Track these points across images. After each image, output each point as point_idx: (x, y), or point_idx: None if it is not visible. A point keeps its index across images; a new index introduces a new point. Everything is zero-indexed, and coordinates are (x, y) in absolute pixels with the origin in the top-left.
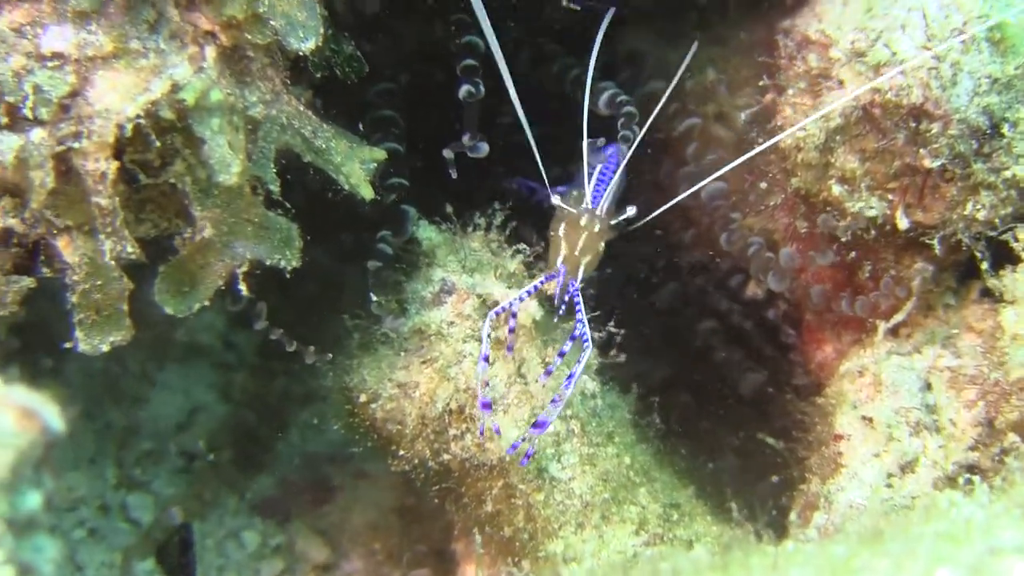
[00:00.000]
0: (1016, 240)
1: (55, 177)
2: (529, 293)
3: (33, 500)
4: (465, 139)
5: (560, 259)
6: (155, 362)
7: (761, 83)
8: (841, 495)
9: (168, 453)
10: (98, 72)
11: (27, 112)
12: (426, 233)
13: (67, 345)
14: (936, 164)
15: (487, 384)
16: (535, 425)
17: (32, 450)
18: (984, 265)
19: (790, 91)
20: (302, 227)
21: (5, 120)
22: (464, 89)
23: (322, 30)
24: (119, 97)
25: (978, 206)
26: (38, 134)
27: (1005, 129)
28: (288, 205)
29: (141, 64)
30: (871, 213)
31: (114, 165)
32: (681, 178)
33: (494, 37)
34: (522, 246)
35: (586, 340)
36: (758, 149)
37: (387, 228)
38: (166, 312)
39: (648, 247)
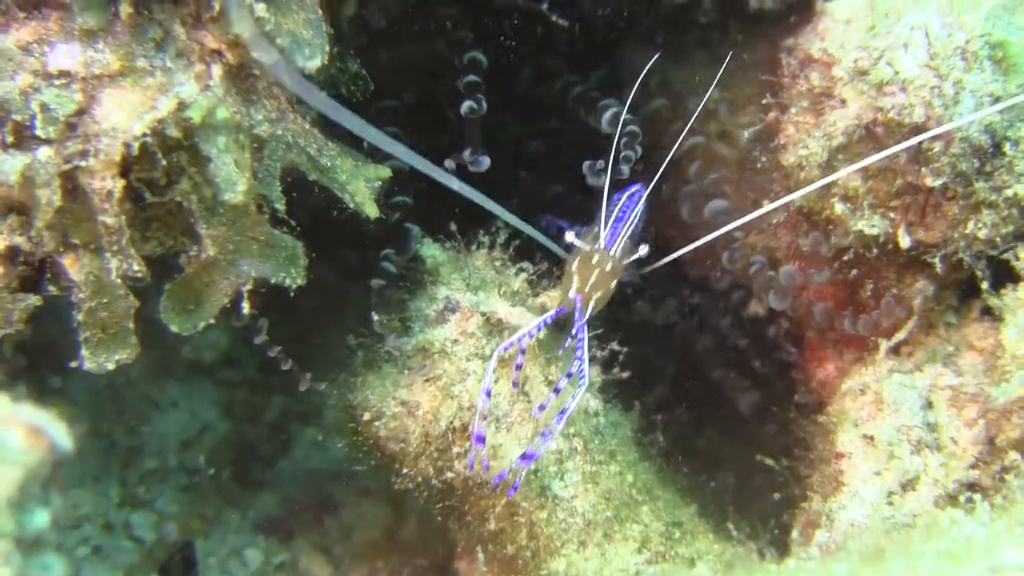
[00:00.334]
0: (1017, 259)
1: (62, 195)
2: (539, 328)
3: (41, 518)
4: (466, 154)
5: (571, 293)
6: (159, 380)
7: (764, 101)
8: (842, 513)
9: (171, 471)
10: (105, 90)
11: (35, 131)
12: (430, 251)
13: (73, 364)
14: (938, 183)
15: (485, 418)
16: (523, 457)
17: (40, 468)
18: (984, 284)
19: (793, 109)
20: (307, 244)
21: (11, 139)
22: (466, 105)
23: (328, 48)
24: (126, 115)
25: (979, 225)
26: (45, 152)
27: (1007, 148)
28: (293, 223)
29: (148, 82)
30: (873, 231)
31: (120, 183)
32: (683, 196)
33: None
34: (526, 264)
35: (583, 377)
36: (803, 191)
37: (391, 246)
38: (171, 330)
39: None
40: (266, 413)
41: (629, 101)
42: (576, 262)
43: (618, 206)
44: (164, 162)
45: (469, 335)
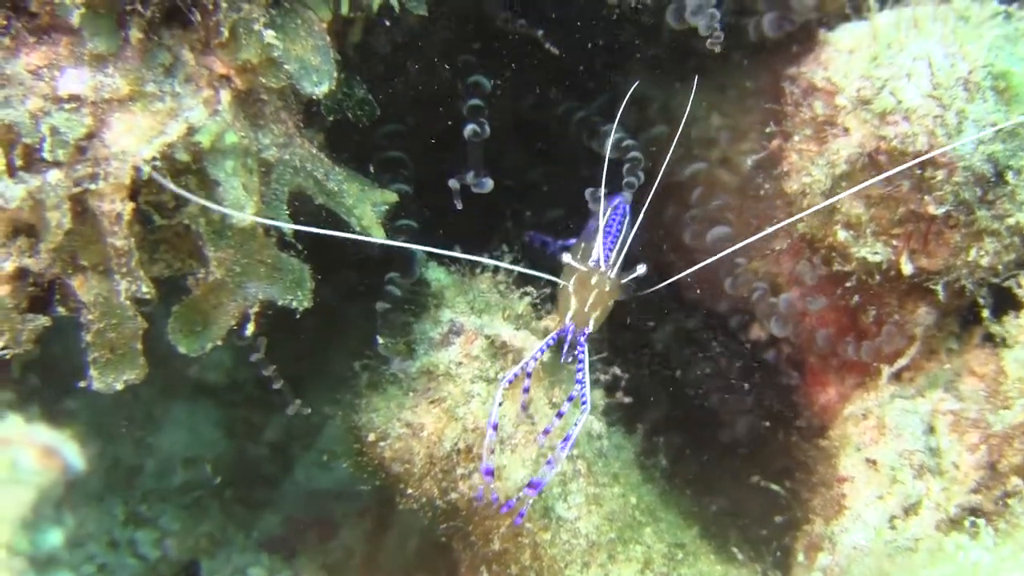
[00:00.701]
0: (1019, 286)
1: (71, 218)
2: (542, 351)
3: (54, 538)
4: (469, 176)
5: (569, 315)
6: (163, 398)
7: (768, 129)
8: (845, 536)
9: (176, 490)
10: (114, 114)
11: (44, 154)
12: (435, 274)
13: (82, 384)
14: (941, 211)
15: (492, 452)
16: (530, 486)
17: (53, 489)
18: (986, 312)
19: (796, 137)
20: (312, 267)
21: (21, 162)
22: (469, 129)
23: (335, 74)
24: (135, 139)
25: (982, 252)
26: (55, 175)
27: (1009, 177)
28: (300, 247)
29: (157, 107)
30: (876, 258)
31: (129, 206)
32: (686, 222)
33: None
34: (529, 288)
35: (584, 402)
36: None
37: (396, 270)
38: (178, 350)
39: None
40: (269, 432)
41: (616, 122)
42: (573, 283)
43: (605, 217)
44: (172, 185)
45: (473, 358)
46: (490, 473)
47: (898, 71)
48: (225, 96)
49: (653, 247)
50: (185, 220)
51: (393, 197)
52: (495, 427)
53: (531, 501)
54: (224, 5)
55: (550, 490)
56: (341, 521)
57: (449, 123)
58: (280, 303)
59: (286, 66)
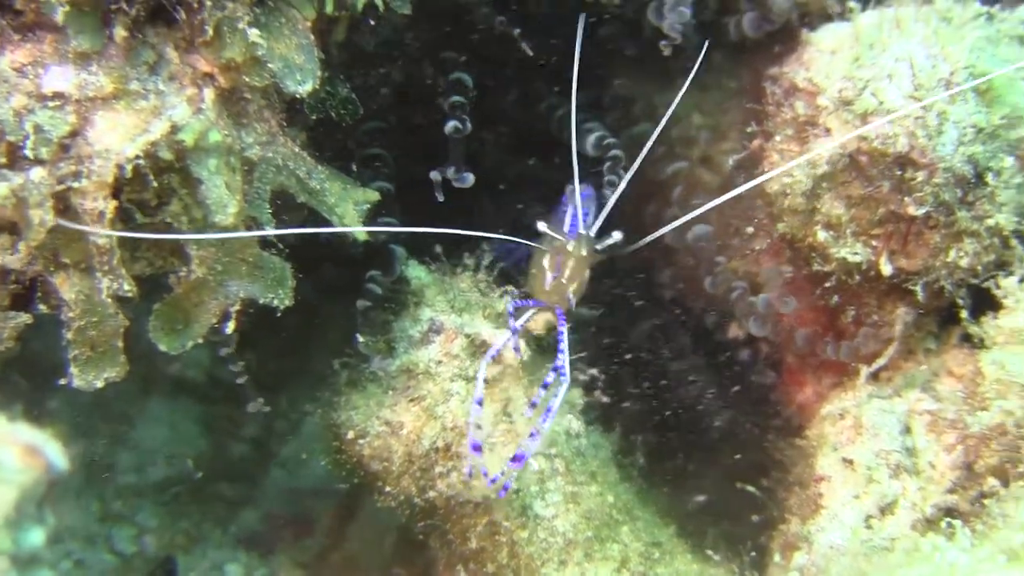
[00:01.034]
0: (998, 287)
1: (54, 215)
2: (522, 326)
3: (36, 537)
4: (451, 171)
5: (548, 286)
6: (141, 395)
7: (749, 129)
8: (821, 536)
9: (153, 486)
10: (98, 112)
11: (28, 151)
12: (415, 273)
13: (62, 381)
14: (921, 212)
15: (480, 427)
16: (514, 459)
17: (35, 487)
18: (964, 313)
19: (777, 138)
20: (293, 265)
21: (4, 159)
22: (451, 125)
23: (319, 73)
24: (119, 138)
25: (961, 253)
26: (38, 173)
27: (989, 178)
28: (281, 245)
29: (141, 105)
30: (855, 259)
31: (112, 204)
32: (666, 220)
33: None
34: (510, 287)
35: (564, 374)
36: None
37: (376, 267)
38: (159, 348)
39: (627, 284)
40: (248, 429)
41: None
42: (547, 256)
43: (574, 197)
44: (155, 183)
45: (453, 356)
46: (477, 448)
47: (880, 72)
48: (209, 94)
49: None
50: (167, 218)
51: (375, 195)
52: (480, 402)
53: (516, 474)
54: (209, 3)
55: (528, 488)
56: (319, 518)
57: (431, 120)
58: (261, 301)
59: (270, 65)
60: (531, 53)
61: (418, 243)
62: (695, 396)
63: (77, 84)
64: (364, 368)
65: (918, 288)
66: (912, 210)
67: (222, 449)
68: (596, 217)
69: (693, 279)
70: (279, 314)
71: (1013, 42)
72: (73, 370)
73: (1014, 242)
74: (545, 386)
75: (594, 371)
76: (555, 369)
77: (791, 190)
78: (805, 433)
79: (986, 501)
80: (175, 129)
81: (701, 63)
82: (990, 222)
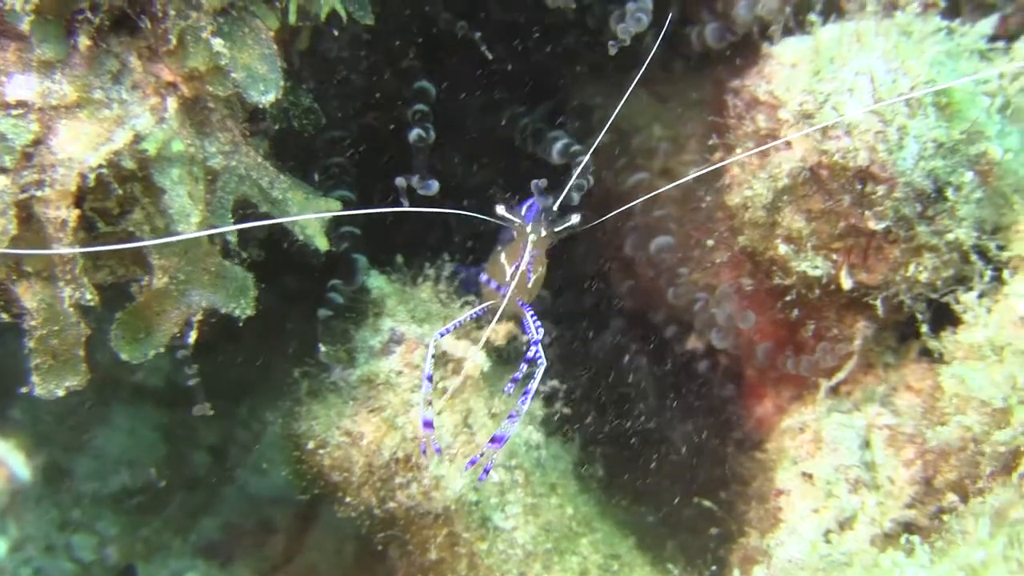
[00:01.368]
0: (957, 302)
1: (17, 224)
2: (481, 312)
3: None
4: (415, 180)
5: (507, 276)
6: (102, 403)
7: (710, 142)
8: (780, 550)
9: (113, 494)
10: (62, 121)
11: None
12: (376, 282)
13: (24, 390)
14: (881, 226)
15: (430, 403)
16: (493, 440)
17: None
18: (924, 327)
19: (739, 150)
20: (255, 274)
21: None
22: (415, 134)
23: (282, 83)
24: (82, 147)
25: (921, 268)
26: (1, 181)
27: (949, 193)
28: (245, 255)
29: (104, 114)
30: (816, 272)
31: (75, 213)
32: (627, 231)
33: None
34: (471, 298)
35: (540, 357)
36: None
37: (337, 277)
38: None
39: (588, 297)
40: (208, 437)
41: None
42: (505, 251)
43: (523, 210)
44: (119, 192)
45: (413, 367)
46: (429, 425)
47: (840, 86)
48: (172, 104)
49: (592, 256)
50: (130, 227)
51: (337, 205)
52: (430, 379)
53: (496, 456)
54: (172, 13)
55: (487, 500)
56: (279, 527)
57: (393, 128)
58: (223, 311)
59: (233, 74)
60: (491, 56)
61: (380, 253)
62: (655, 408)
63: (40, 92)
64: (325, 378)
65: (878, 302)
66: (872, 224)
67: (182, 457)
68: (557, 199)
69: (653, 291)
70: (241, 323)
71: (973, 56)
72: (35, 379)
73: (973, 257)
74: (526, 361)
75: (555, 382)
76: (532, 345)
77: (752, 203)
78: (765, 446)
79: (945, 517)
80: (138, 138)
81: (662, 73)
82: (950, 237)
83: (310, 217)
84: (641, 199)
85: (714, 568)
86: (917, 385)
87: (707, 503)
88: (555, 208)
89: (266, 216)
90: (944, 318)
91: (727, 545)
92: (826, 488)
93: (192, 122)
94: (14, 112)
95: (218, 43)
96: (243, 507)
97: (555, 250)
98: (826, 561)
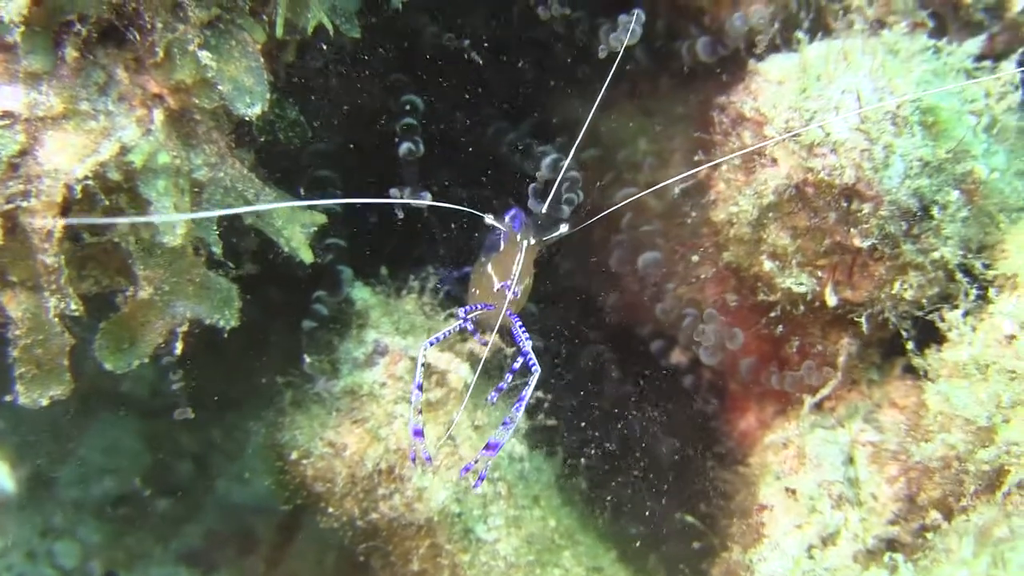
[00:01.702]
0: (942, 320)
1: (2, 234)
2: (464, 323)
3: None
4: (407, 193)
5: (495, 288)
6: (85, 411)
7: (696, 158)
8: (763, 565)
9: (95, 502)
10: (48, 132)
11: None
12: (360, 294)
13: (8, 398)
14: (866, 243)
15: (420, 412)
16: (487, 447)
17: None
18: (909, 345)
19: (724, 167)
20: (240, 285)
21: None
22: (404, 147)
23: (268, 95)
24: (68, 158)
25: (906, 286)
26: None
27: (935, 211)
28: (231, 265)
29: (91, 126)
30: (801, 289)
31: (60, 224)
32: (614, 245)
33: None
34: (455, 309)
35: (533, 365)
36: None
37: (322, 288)
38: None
39: (572, 311)
40: (191, 446)
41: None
42: (491, 262)
43: (506, 220)
44: (105, 203)
45: (397, 379)
46: (419, 433)
47: (827, 104)
48: (158, 115)
49: (578, 270)
50: (115, 238)
51: (322, 218)
52: (420, 387)
53: (489, 463)
54: (160, 25)
55: (470, 512)
56: (261, 536)
57: (379, 142)
58: (208, 322)
59: (220, 87)
60: (481, 61)
61: (364, 265)
62: (638, 422)
63: (27, 104)
64: (309, 389)
65: (863, 319)
66: (858, 242)
67: (165, 466)
68: (548, 199)
69: (639, 305)
70: (225, 335)
71: (960, 76)
72: (19, 387)
73: (959, 275)
74: (512, 372)
75: (539, 394)
76: (523, 355)
77: (737, 219)
78: (748, 461)
79: (928, 535)
80: (124, 150)
81: (647, 89)
82: (935, 255)
83: (296, 204)
84: (627, 202)
85: None
86: (901, 402)
87: (689, 518)
88: (544, 215)
89: (252, 227)
90: (929, 336)
91: (709, 559)
92: (809, 504)
93: (178, 134)
94: (0, 123)
95: (205, 55)
96: (226, 516)
97: (542, 261)
98: None
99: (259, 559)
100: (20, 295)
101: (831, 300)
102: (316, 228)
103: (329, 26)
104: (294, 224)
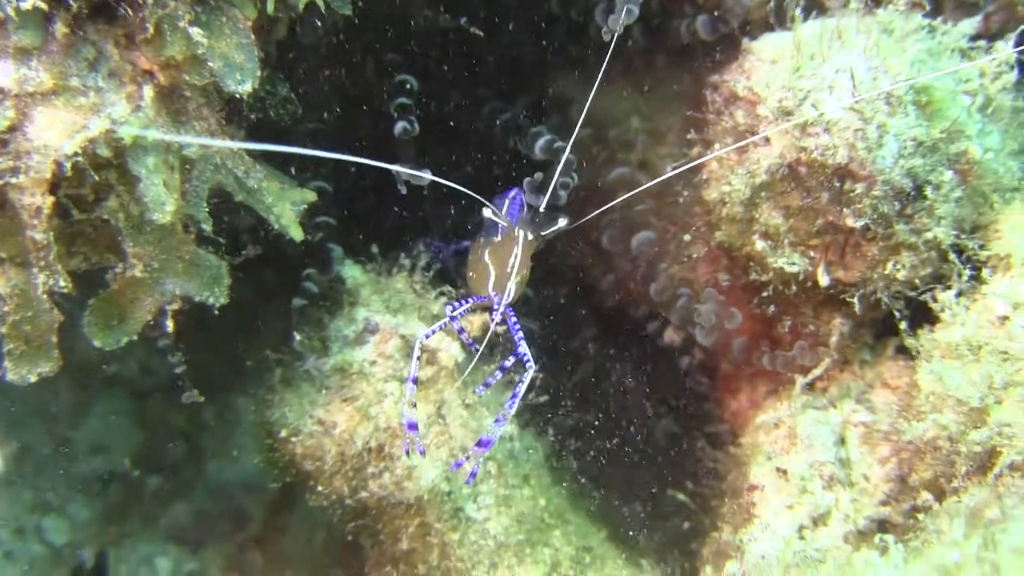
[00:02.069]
0: (935, 300)
1: None
2: (462, 314)
3: None
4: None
5: (490, 285)
6: (75, 388)
7: (689, 136)
8: (753, 545)
9: (85, 479)
10: (38, 108)
11: None
12: (351, 272)
13: None
14: (859, 223)
15: (414, 405)
16: (479, 444)
17: None
18: (903, 324)
19: (717, 146)
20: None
21: None
22: (400, 127)
23: (259, 72)
24: (57, 134)
25: (898, 266)
26: None
27: (928, 191)
28: (221, 241)
29: (80, 102)
30: (793, 269)
31: (50, 200)
32: (605, 225)
33: None
34: (446, 288)
35: (528, 362)
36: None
37: (313, 266)
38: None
39: (564, 289)
40: (181, 424)
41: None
42: (488, 252)
43: (506, 205)
44: (94, 179)
45: (387, 357)
46: (413, 427)
47: (820, 83)
48: (148, 92)
49: (571, 249)
50: (105, 215)
51: (312, 196)
52: (415, 381)
53: (481, 459)
54: (151, 1)
55: (460, 491)
56: (250, 514)
57: (371, 121)
58: (197, 299)
59: (210, 63)
60: (480, 33)
61: (354, 242)
62: (629, 401)
63: (17, 79)
64: (299, 367)
65: (855, 299)
66: (850, 222)
67: (154, 443)
68: (545, 196)
69: (632, 284)
70: (215, 312)
71: (955, 55)
72: (7, 364)
73: (952, 256)
74: (503, 369)
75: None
76: (516, 355)
77: (730, 199)
78: (739, 441)
79: (920, 516)
80: (114, 126)
81: (641, 67)
82: (928, 235)
83: (302, 151)
84: (631, 194)
85: (686, 565)
86: (893, 383)
87: (680, 497)
88: (543, 209)
89: (241, 205)
90: (922, 316)
91: (699, 539)
92: (800, 484)
93: (168, 111)
94: None
95: (196, 32)
96: (215, 494)
97: (539, 251)
98: (799, 557)
99: (248, 537)
100: (9, 271)
101: (823, 280)
102: (306, 205)
103: (320, 2)
104: (284, 201)
